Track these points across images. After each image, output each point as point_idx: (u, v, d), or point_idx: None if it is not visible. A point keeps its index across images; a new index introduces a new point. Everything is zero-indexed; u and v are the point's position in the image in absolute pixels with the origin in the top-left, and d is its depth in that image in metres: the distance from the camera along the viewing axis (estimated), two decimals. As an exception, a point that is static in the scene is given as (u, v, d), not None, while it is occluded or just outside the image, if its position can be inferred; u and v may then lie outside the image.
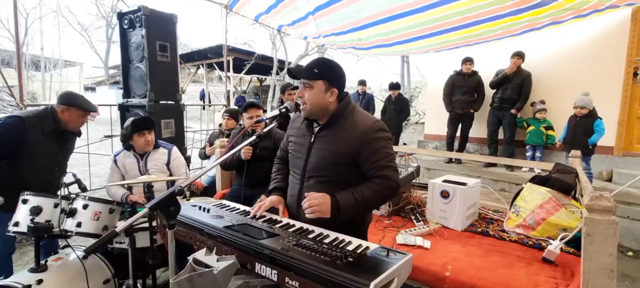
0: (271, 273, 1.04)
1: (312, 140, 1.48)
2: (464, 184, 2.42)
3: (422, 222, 2.41)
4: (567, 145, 4.08)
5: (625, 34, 4.45)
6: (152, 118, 2.95)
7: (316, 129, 1.49)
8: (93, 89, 21.52)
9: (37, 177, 2.19)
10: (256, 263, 1.07)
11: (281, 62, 13.03)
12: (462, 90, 5.34)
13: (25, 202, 1.89)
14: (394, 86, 6.69)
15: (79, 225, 1.87)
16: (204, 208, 1.45)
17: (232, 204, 1.66)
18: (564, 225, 2.10)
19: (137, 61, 3.69)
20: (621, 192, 3.52)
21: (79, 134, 2.46)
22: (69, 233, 1.87)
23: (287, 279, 1.00)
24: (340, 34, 5.24)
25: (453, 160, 5.49)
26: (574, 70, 4.86)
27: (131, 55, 3.72)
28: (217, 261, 1.00)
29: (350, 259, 1.01)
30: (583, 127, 3.95)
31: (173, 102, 3.87)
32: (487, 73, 5.22)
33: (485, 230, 2.33)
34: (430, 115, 6.74)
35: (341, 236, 1.27)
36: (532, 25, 4.19)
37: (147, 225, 1.80)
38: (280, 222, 1.41)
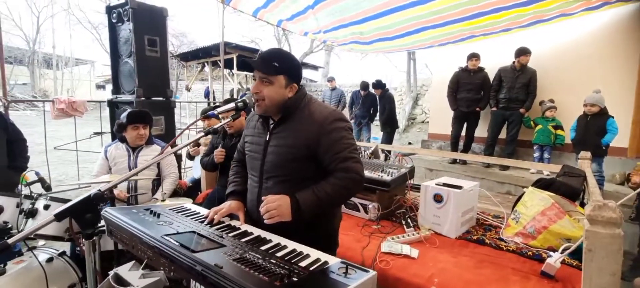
0: (205, 292, 0.89)
1: (267, 138, 1.35)
2: (459, 187, 2.23)
3: (412, 228, 2.23)
4: (577, 147, 3.82)
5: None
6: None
7: (271, 126, 1.36)
8: (103, 87, 21.81)
9: None
10: (191, 280, 0.93)
11: (286, 60, 12.84)
12: (468, 88, 5.10)
13: (-15, 201, 1.80)
14: (376, 85, 6.96)
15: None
16: (155, 213, 1.31)
17: (196, 208, 1.52)
18: (567, 235, 1.90)
19: (125, 56, 3.60)
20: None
21: None
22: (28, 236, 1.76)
23: (219, 300, 0.85)
24: (340, 28, 5.06)
25: (457, 160, 5.27)
26: (583, 66, 4.58)
27: (120, 50, 3.64)
28: (142, 277, 0.86)
29: (294, 279, 0.86)
30: (595, 126, 3.69)
31: (163, 99, 3.77)
32: (493, 69, 4.98)
33: (481, 238, 2.13)
34: (435, 113, 6.51)
35: (300, 248, 1.11)
36: (540, 16, 3.94)
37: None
38: (237, 229, 1.26)
